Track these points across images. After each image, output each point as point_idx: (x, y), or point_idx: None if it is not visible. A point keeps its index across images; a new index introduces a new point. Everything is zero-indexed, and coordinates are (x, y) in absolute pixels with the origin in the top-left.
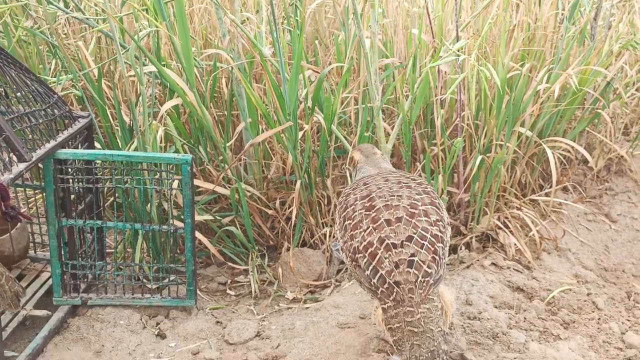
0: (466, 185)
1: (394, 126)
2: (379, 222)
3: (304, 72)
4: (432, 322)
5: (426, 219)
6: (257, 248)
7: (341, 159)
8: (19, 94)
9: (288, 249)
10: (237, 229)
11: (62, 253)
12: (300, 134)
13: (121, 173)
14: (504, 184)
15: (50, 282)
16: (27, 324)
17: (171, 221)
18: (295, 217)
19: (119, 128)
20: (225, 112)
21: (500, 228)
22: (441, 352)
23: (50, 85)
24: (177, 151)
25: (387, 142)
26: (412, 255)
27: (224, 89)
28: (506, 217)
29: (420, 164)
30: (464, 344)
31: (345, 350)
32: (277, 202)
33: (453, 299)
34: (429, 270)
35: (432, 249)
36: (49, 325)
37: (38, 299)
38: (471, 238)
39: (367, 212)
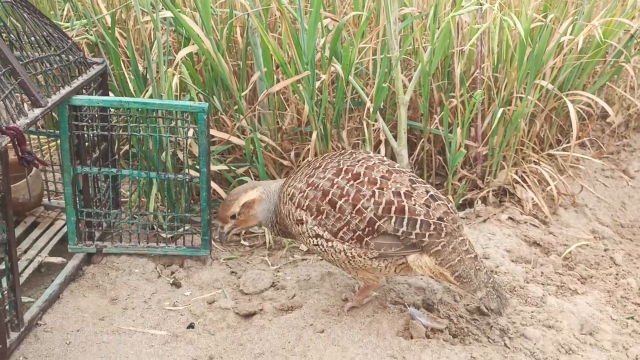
0: (484, 139)
1: (410, 78)
2: (378, 182)
3: (321, 21)
4: (474, 246)
5: (400, 165)
6: None
7: (357, 110)
8: (32, 38)
9: None
10: (252, 179)
11: (77, 201)
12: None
13: (136, 121)
14: (523, 138)
15: (64, 230)
16: (42, 271)
17: (186, 170)
18: None
19: (132, 76)
20: (240, 62)
21: (517, 182)
22: (490, 270)
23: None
24: (192, 100)
25: (404, 94)
26: (428, 191)
27: (238, 38)
28: (524, 172)
29: (437, 116)
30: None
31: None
32: (292, 153)
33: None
34: (444, 197)
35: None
36: (65, 272)
37: (53, 246)
38: (488, 192)
39: (358, 181)
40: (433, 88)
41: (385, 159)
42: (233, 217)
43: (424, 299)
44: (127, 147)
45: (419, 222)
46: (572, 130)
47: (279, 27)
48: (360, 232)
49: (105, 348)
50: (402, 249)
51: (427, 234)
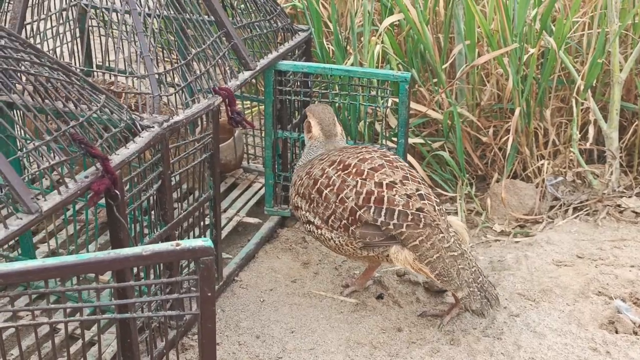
0: None
1: (626, 55)
2: (365, 173)
3: None
4: (463, 244)
5: (402, 164)
6: (466, 176)
7: (562, 89)
8: (242, 5)
9: (497, 180)
10: (447, 154)
11: (276, 164)
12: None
13: (335, 89)
14: None
15: (261, 192)
16: (239, 230)
17: (383, 141)
18: (510, 147)
19: (331, 45)
20: (440, 35)
21: None
22: (480, 270)
23: None
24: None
25: (620, 72)
26: (417, 189)
27: (440, 10)
28: None
29: None
30: None
31: (563, 289)
32: (491, 130)
33: (462, 223)
34: (437, 200)
35: (426, 185)
36: (260, 233)
37: (250, 207)
38: None
39: (345, 172)
40: None
41: (390, 156)
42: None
43: (632, 292)
44: None
45: (396, 213)
46: None
47: (482, 0)
48: (345, 221)
49: (297, 310)
50: (384, 240)
51: (405, 224)
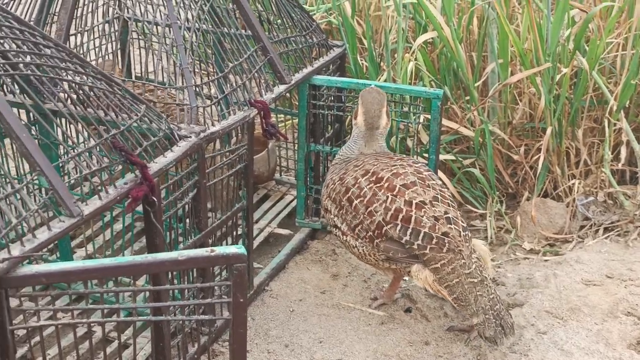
0: None
1: None
2: (396, 189)
3: (569, 11)
4: (485, 271)
5: (435, 182)
6: (496, 194)
7: (594, 109)
8: (279, 21)
9: (528, 199)
10: (477, 171)
11: (308, 177)
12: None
13: None
14: None
15: (293, 204)
16: (270, 241)
17: (414, 157)
18: (541, 166)
19: (364, 62)
20: (473, 53)
21: None
22: (499, 298)
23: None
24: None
25: None
26: (446, 212)
27: (474, 29)
28: None
29: None
30: None
31: (591, 309)
32: (522, 149)
33: (487, 248)
34: (464, 225)
35: (455, 207)
36: (291, 245)
37: (281, 219)
38: None
39: (377, 185)
40: None
41: (424, 172)
42: None
43: None
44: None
45: (422, 234)
46: None
47: (515, 19)
48: (371, 233)
49: (325, 320)
50: (406, 257)
51: (429, 246)
